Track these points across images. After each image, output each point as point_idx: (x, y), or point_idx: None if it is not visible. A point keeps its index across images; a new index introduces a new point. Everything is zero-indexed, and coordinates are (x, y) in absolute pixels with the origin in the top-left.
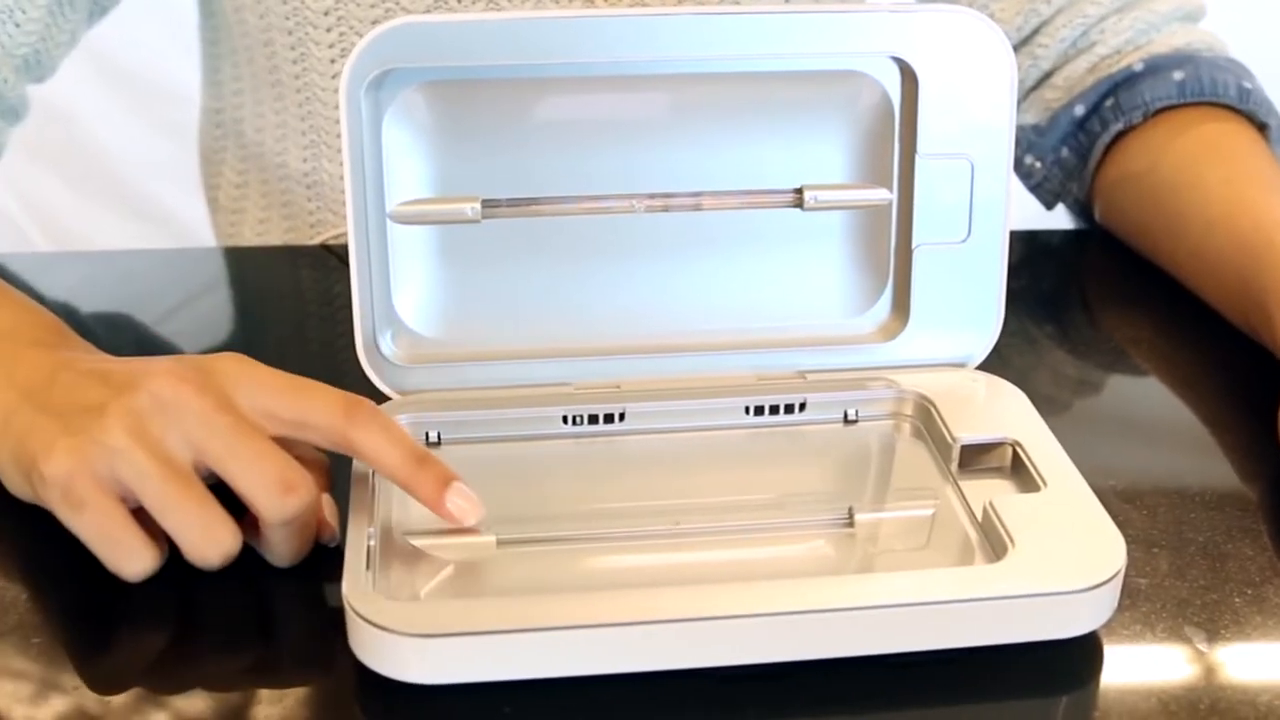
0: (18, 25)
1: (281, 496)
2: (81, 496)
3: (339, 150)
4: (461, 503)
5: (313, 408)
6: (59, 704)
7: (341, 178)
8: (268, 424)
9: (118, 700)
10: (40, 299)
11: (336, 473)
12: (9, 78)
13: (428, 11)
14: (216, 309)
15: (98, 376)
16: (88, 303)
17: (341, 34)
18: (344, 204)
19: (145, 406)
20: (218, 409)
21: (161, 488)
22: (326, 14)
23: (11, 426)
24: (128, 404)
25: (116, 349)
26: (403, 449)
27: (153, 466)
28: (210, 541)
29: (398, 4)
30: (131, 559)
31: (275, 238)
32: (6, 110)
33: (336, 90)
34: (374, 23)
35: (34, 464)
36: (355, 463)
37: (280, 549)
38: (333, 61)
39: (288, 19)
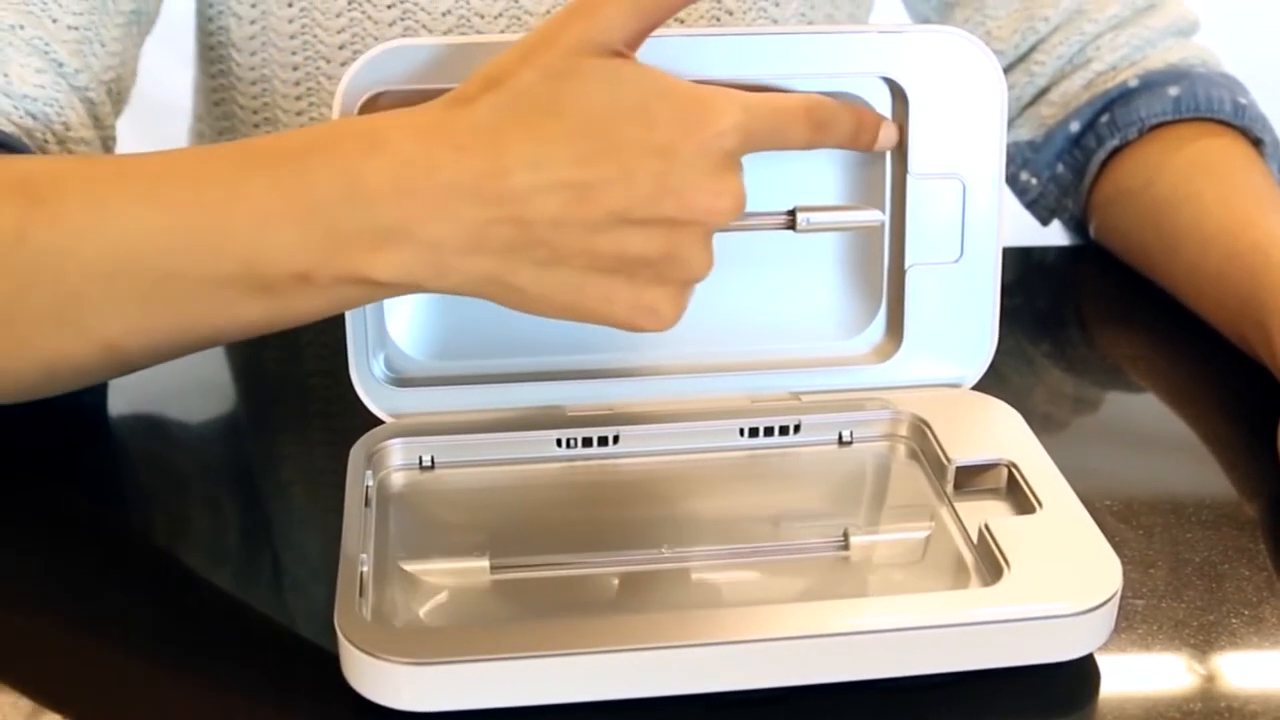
0: (103, 45)
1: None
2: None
3: None
4: (889, 132)
5: (788, 137)
6: None
7: None
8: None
9: None
10: None
11: (327, 495)
12: (104, 101)
13: (449, 33)
14: None
15: (628, 224)
16: None
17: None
18: None
19: (704, 235)
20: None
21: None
22: (342, 49)
23: (582, 292)
24: (695, 252)
25: None
26: (849, 121)
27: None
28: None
29: (417, 20)
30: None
31: None
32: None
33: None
34: None
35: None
36: (347, 488)
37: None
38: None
39: (294, 54)
